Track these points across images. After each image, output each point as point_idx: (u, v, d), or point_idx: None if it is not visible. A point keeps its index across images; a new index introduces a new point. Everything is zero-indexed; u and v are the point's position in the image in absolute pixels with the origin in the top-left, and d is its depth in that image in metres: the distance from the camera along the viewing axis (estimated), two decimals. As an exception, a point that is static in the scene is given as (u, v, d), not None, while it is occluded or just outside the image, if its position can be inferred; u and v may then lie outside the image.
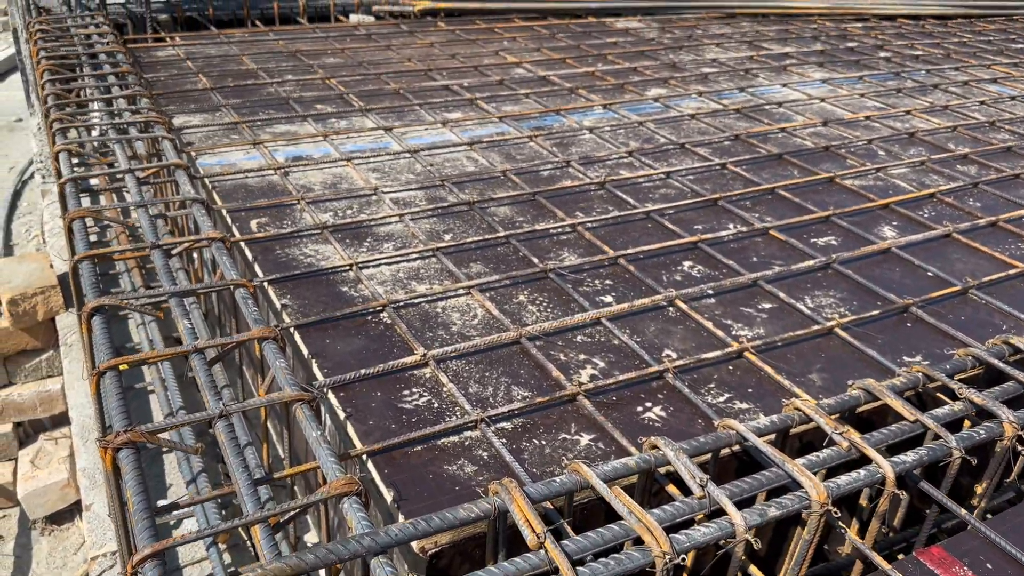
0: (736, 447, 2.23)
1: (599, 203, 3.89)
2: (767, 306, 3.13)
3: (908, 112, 5.38)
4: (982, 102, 5.70)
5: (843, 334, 2.95)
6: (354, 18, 7.17)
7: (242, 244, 3.28)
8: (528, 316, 2.97)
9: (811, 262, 3.41)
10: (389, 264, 3.25)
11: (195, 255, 3.69)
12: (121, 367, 2.28)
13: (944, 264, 3.51)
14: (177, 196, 3.37)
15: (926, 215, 3.96)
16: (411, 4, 7.24)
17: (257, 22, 6.85)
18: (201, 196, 3.41)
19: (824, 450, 2.17)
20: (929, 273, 3.43)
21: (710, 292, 3.17)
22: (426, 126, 4.69)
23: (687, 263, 3.40)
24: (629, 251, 3.41)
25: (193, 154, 4.10)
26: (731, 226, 3.73)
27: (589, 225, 3.64)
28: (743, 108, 5.24)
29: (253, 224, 3.48)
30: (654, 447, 2.09)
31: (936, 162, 4.60)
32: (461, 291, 3.08)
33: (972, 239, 3.73)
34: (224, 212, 3.55)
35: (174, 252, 3.01)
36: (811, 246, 3.59)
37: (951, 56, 6.94)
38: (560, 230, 3.59)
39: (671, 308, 3.07)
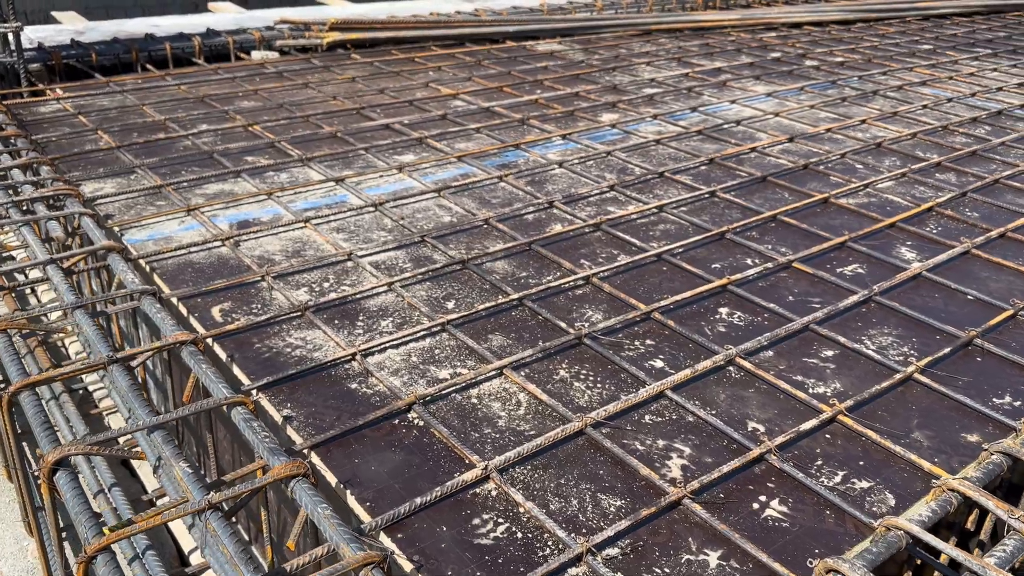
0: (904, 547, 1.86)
1: (601, 247, 3.49)
2: (829, 353, 2.80)
3: (863, 121, 5.27)
4: (925, 106, 5.68)
5: (924, 379, 2.65)
6: (257, 55, 6.54)
7: (210, 341, 2.69)
8: (578, 395, 2.52)
9: (853, 297, 3.12)
10: (396, 347, 2.73)
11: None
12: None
13: (979, 285, 3.30)
14: (120, 291, 2.73)
15: (935, 231, 3.77)
16: (318, 37, 6.67)
17: (148, 66, 6.11)
18: (150, 286, 2.79)
19: (1008, 541, 1.83)
20: (969, 297, 3.20)
21: (765, 343, 2.82)
22: (380, 173, 4.17)
23: (723, 310, 3.04)
24: (661, 303, 3.02)
25: (117, 229, 3.44)
26: (750, 261, 3.40)
27: (602, 275, 3.23)
28: (704, 129, 4.98)
29: (216, 312, 2.88)
30: (832, 571, 1.69)
31: (916, 172, 4.46)
32: (492, 372, 2.60)
33: (991, 254, 3.55)
34: (176, 301, 2.94)
35: (135, 363, 2.40)
36: (841, 277, 3.31)
37: (872, 61, 6.97)
38: (573, 284, 3.17)
39: (732, 367, 2.69)
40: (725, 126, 5.08)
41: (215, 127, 4.74)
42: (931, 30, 8.57)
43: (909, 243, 3.65)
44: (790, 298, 3.15)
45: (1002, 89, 6.21)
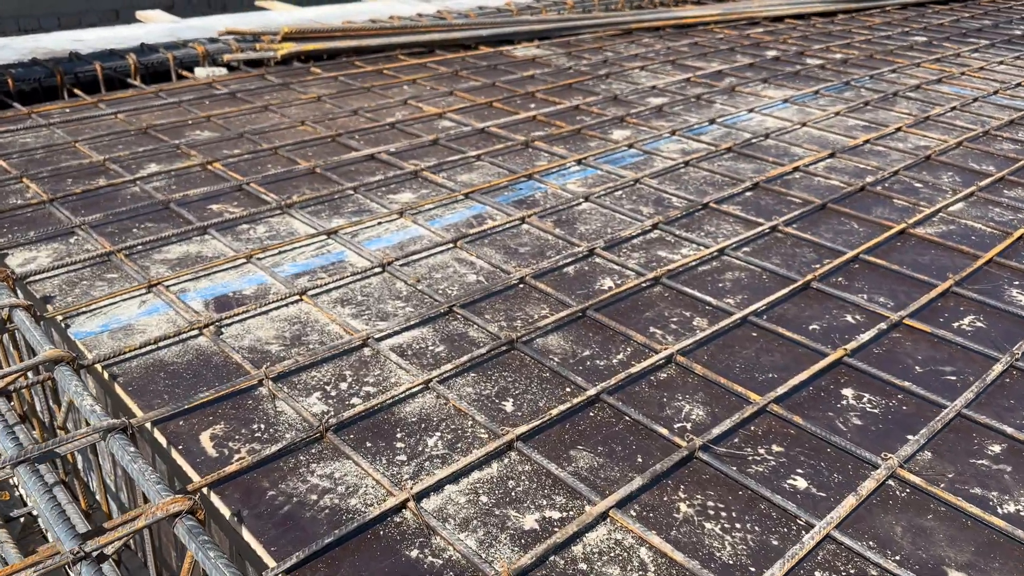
0: None
1: (667, 307, 2.87)
2: (996, 449, 2.23)
3: (899, 129, 4.76)
4: (953, 108, 5.21)
5: None
6: (201, 72, 5.72)
7: (213, 498, 1.97)
8: (717, 546, 1.89)
9: (997, 367, 2.56)
10: (456, 480, 2.06)
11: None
12: None
13: (1122, 335, 2.78)
14: (81, 434, 1.99)
15: (1038, 264, 3.26)
16: (271, 49, 5.88)
17: (77, 91, 5.25)
18: (120, 419, 2.06)
19: None
20: (1118, 352, 2.68)
21: (921, 442, 2.23)
22: (379, 219, 3.46)
23: (847, 392, 2.45)
24: (773, 391, 2.41)
25: (60, 319, 2.68)
26: (851, 318, 2.82)
27: (685, 349, 2.61)
28: (733, 146, 4.40)
29: (206, 441, 2.16)
30: None
31: (984, 190, 3.95)
32: (595, 517, 1.95)
33: (1114, 291, 3.05)
34: (150, 427, 2.21)
35: (110, 552, 1.68)
36: (964, 335, 2.75)
37: (875, 57, 6.51)
38: (653, 365, 2.53)
39: (895, 482, 2.10)
40: (754, 140, 4.50)
41: (167, 167, 3.96)
42: (915, 20, 8.19)
43: (1017, 283, 3.12)
44: (917, 369, 2.58)
45: (1021, 85, 5.80)
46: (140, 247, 3.16)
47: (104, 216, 3.38)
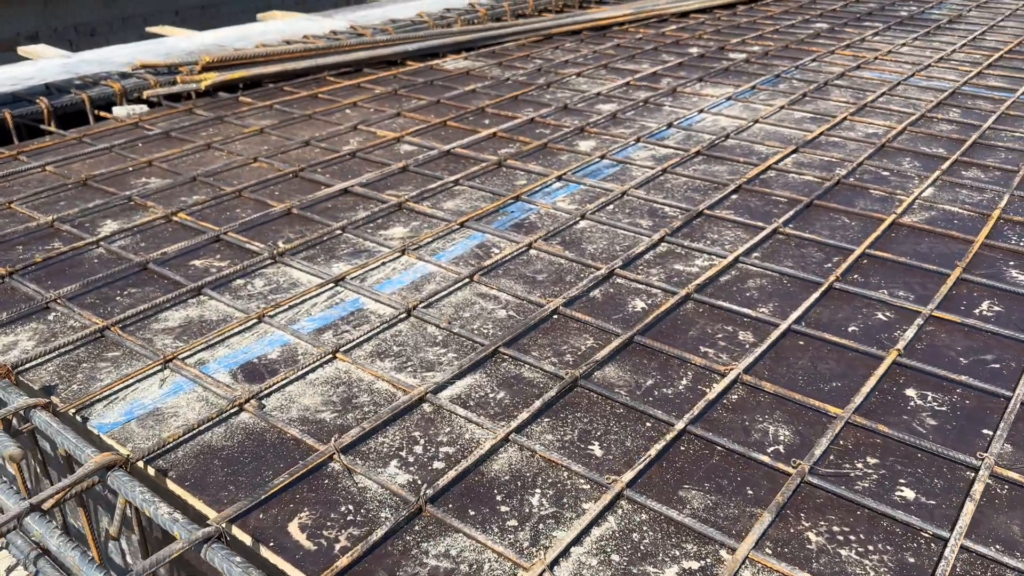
0: None
1: (708, 324, 2.85)
2: (1068, 434, 2.33)
3: (844, 119, 4.94)
4: (883, 94, 5.45)
5: None
6: (121, 112, 5.31)
7: (331, 594, 1.80)
8: (858, 572, 1.88)
9: (1034, 348, 2.68)
10: (579, 543, 1.96)
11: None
12: None
13: (1123, 305, 2.96)
14: (176, 546, 1.78)
15: None
16: (192, 80, 5.53)
17: (-15, 142, 4.77)
18: (213, 526, 1.86)
19: None
20: None
21: (1003, 435, 2.29)
22: (382, 260, 3.29)
23: (911, 392, 2.50)
24: (850, 401, 2.43)
25: (73, 412, 2.40)
26: (882, 316, 2.88)
27: (746, 367, 2.59)
28: (702, 150, 4.44)
29: (296, 532, 1.98)
30: None
31: (947, 174, 4.14)
32: (739, 563, 1.89)
33: (1098, 263, 3.25)
34: (234, 528, 2.00)
35: None
36: (995, 322, 2.85)
37: (790, 47, 6.74)
38: (724, 388, 2.50)
39: (992, 480, 2.15)
40: (717, 142, 4.56)
41: (127, 223, 3.64)
42: (809, 7, 8.54)
43: (1013, 263, 3.27)
44: (962, 360, 2.66)
45: (931, 66, 6.14)
46: (133, 318, 2.89)
47: (80, 286, 3.07)
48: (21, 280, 3.14)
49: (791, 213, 3.64)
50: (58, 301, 2.98)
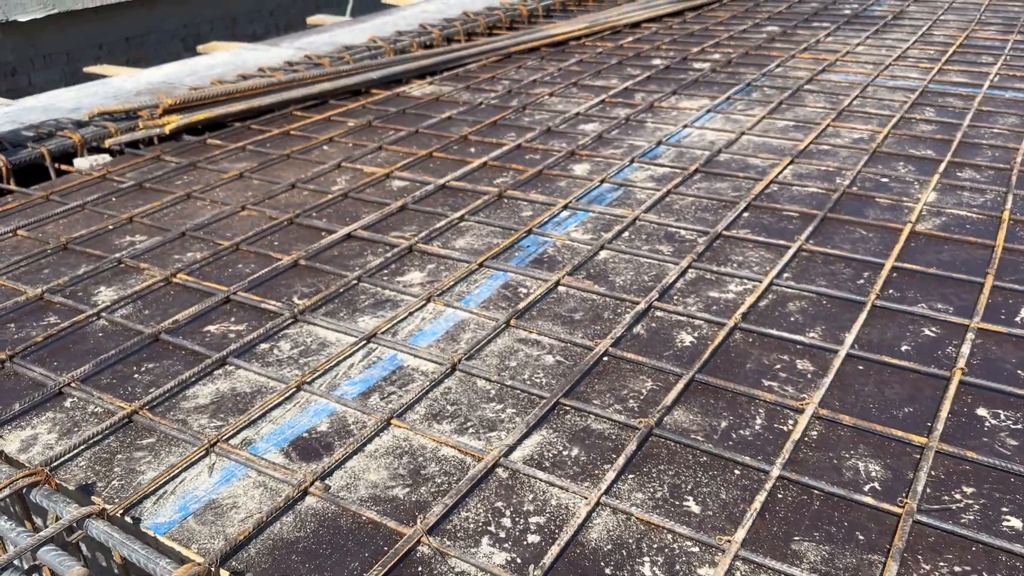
0: None
1: (765, 355, 2.79)
2: None
3: (828, 126, 4.98)
4: (857, 97, 5.52)
5: None
6: (83, 163, 5.01)
7: None
8: (993, 613, 1.84)
9: (1088, 355, 2.69)
10: (710, 610, 1.87)
11: None
12: None
13: None
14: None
15: (1037, 244, 3.48)
16: (155, 125, 5.26)
17: (-60, 206, 4.43)
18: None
19: None
20: None
21: (1083, 451, 2.29)
22: (409, 310, 3.14)
23: (982, 411, 2.48)
24: (937, 429, 2.40)
25: (121, 514, 2.20)
26: (929, 331, 2.87)
27: (820, 400, 2.54)
28: (700, 168, 4.41)
29: (408, 632, 1.84)
30: None
31: (945, 177, 4.19)
32: (869, 614, 1.83)
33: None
34: (335, 631, 1.85)
35: None
36: (1034, 329, 2.88)
37: (751, 53, 6.80)
38: (805, 427, 2.45)
39: (1094, 501, 2.14)
40: (712, 158, 4.54)
41: (123, 289, 3.42)
42: (754, 10, 8.66)
43: (1036, 266, 3.32)
44: (1020, 373, 2.66)
45: (891, 65, 6.26)
46: (160, 397, 2.69)
47: (92, 366, 2.84)
48: (23, 363, 2.90)
49: (809, 229, 3.63)
50: (72, 385, 2.76)
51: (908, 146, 4.62)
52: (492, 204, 4.10)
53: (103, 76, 7.73)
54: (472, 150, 4.87)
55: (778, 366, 2.74)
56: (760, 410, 2.53)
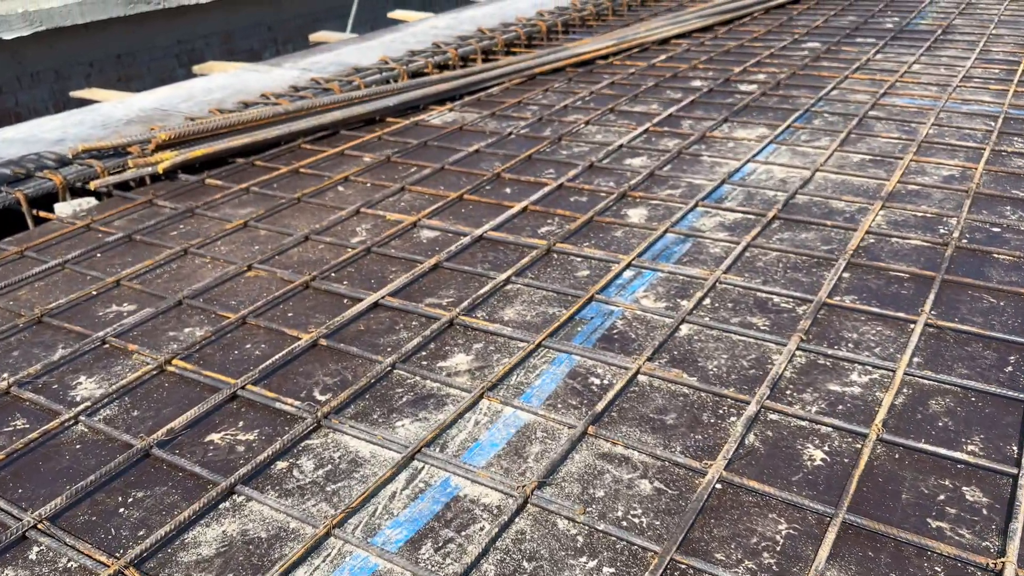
0: None
1: (919, 479, 2.19)
2: None
3: (910, 161, 4.39)
4: (934, 124, 4.93)
5: None
6: (65, 209, 4.42)
7: None
8: None
9: None
10: None
11: None
12: None
13: None
14: None
15: None
16: (147, 164, 4.66)
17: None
18: None
19: None
20: None
21: None
22: (458, 412, 2.53)
23: None
24: None
25: None
26: (1120, 445, 2.28)
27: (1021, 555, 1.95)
28: (778, 214, 3.81)
29: None
30: None
31: (1064, 224, 3.62)
32: None
33: None
34: None
35: None
36: None
37: (798, 74, 6.22)
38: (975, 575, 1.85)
39: None
40: (790, 201, 3.95)
41: (108, 381, 2.81)
42: (788, 24, 8.08)
43: None
44: None
45: (959, 87, 5.69)
46: (153, 547, 2.08)
47: (67, 498, 2.24)
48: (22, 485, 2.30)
49: (931, 298, 3.03)
50: (40, 527, 2.15)
51: (1010, 186, 4.04)
52: (540, 261, 3.51)
53: (92, 101, 7.13)
54: (507, 191, 4.28)
55: (942, 497, 2.14)
56: (937, 569, 1.93)
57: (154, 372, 2.84)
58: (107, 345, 3.04)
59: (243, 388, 2.70)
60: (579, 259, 3.52)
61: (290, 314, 3.19)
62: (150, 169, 4.64)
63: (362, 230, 3.91)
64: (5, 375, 2.86)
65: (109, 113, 6.08)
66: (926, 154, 4.49)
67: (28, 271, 3.64)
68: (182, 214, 4.19)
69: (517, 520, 2.14)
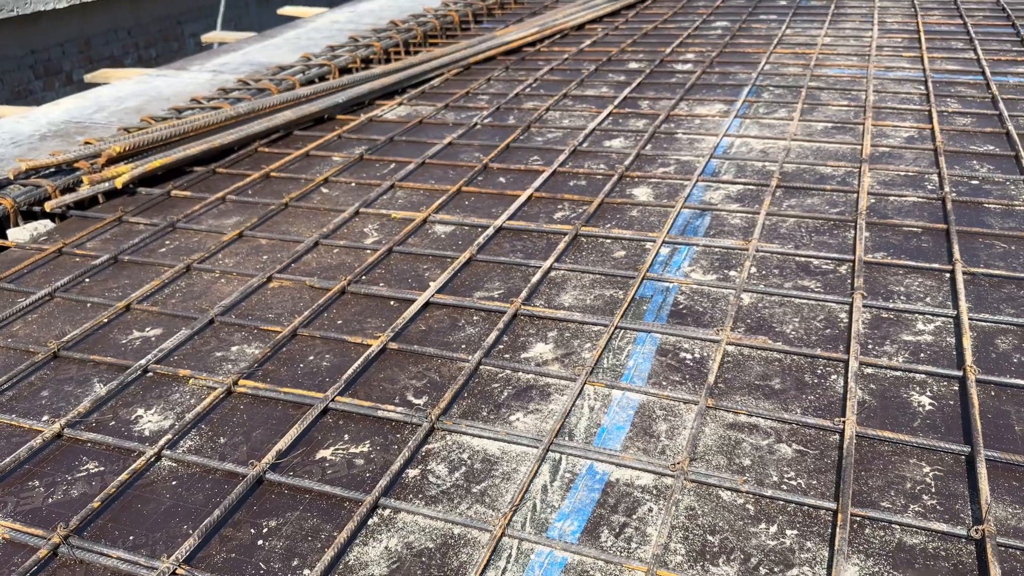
0: None
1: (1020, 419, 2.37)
2: None
3: (868, 125, 4.67)
4: (876, 91, 5.26)
5: None
6: (21, 235, 3.98)
7: None
8: None
9: None
10: None
11: None
12: None
13: None
14: None
15: None
16: (103, 180, 4.28)
17: None
18: None
19: None
20: None
21: None
22: (572, 400, 2.51)
23: None
24: None
25: None
26: None
27: None
28: (780, 182, 3.97)
29: None
30: None
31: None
32: None
33: None
34: None
35: None
36: None
37: (726, 51, 6.47)
38: None
39: None
40: (780, 171, 4.11)
41: (175, 412, 2.59)
42: (689, 5, 8.37)
43: None
44: None
45: (877, 56, 6.09)
46: (321, 573, 1.94)
47: (198, 536, 2.05)
48: (86, 546, 2.06)
49: (956, 247, 3.24)
50: (180, 572, 1.96)
51: (966, 142, 4.38)
52: (573, 246, 3.51)
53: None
54: (502, 180, 4.24)
55: (1052, 425, 2.32)
56: (1083, 489, 2.10)
57: (222, 396, 2.64)
58: (151, 373, 2.79)
59: (333, 401, 2.56)
60: (609, 240, 3.54)
61: (339, 321, 3.04)
62: (107, 185, 4.28)
63: (371, 231, 3.77)
64: (45, 417, 2.58)
65: (15, 129, 5.56)
66: (879, 118, 4.79)
67: (14, 304, 3.29)
68: (164, 230, 3.89)
69: (682, 497, 2.14)
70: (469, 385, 2.64)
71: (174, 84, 6.55)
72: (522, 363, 2.73)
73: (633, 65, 6.25)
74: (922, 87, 5.29)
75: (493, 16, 8.67)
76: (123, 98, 6.22)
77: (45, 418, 2.59)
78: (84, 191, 4.22)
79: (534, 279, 3.21)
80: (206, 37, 9.09)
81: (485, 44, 6.76)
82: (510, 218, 3.77)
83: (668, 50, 6.58)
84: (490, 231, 3.64)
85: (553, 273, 3.30)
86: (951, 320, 2.83)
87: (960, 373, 2.53)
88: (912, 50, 6.17)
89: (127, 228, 3.97)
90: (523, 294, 3.10)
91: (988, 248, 3.29)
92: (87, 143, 4.70)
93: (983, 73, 5.48)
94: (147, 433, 2.50)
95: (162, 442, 2.41)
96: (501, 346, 2.83)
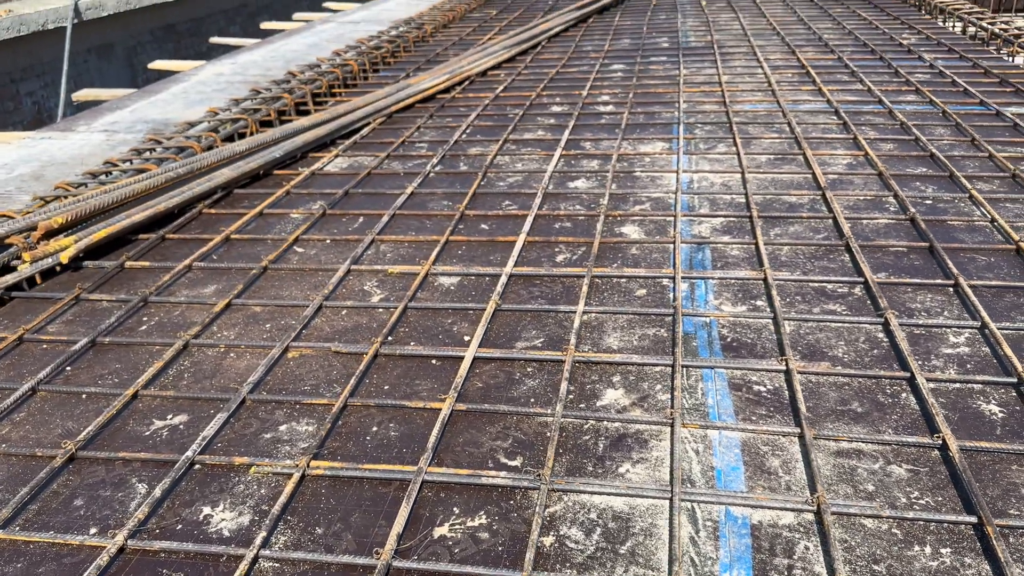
0: None
1: (1079, 411, 2.56)
2: None
3: (809, 155, 4.97)
4: (800, 123, 5.60)
5: None
6: (-46, 323, 3.47)
7: None
8: None
9: None
10: None
11: None
12: None
13: None
14: None
15: None
16: (46, 255, 3.82)
17: None
18: None
19: None
20: None
21: None
22: (679, 446, 2.46)
23: None
24: None
25: None
26: None
27: None
28: (758, 213, 4.12)
29: None
30: None
31: (984, 193, 4.31)
32: None
33: None
34: None
35: None
36: None
37: (639, 93, 6.70)
38: None
39: None
40: (751, 203, 4.28)
41: (250, 506, 2.32)
42: (579, 51, 8.61)
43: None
44: None
45: (779, 91, 6.49)
46: (505, 665, 1.79)
47: (351, 645, 1.83)
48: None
49: (950, 264, 3.47)
50: None
51: (903, 166, 4.74)
52: (597, 290, 3.48)
53: None
54: (485, 227, 4.16)
55: (1113, 419, 2.52)
56: None
57: (298, 481, 2.40)
58: (198, 466, 2.50)
59: (426, 471, 2.39)
60: (624, 280, 3.54)
61: (386, 387, 2.86)
62: (50, 261, 3.84)
63: (372, 288, 3.59)
64: (93, 530, 2.25)
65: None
66: (816, 148, 5.11)
67: (-8, 405, 2.86)
68: (135, 306, 3.53)
69: (837, 533, 2.15)
70: (564, 441, 2.54)
71: (66, 147, 6.02)
72: (601, 411, 2.66)
73: (556, 108, 6.35)
74: (835, 117, 5.69)
75: (388, 65, 8.58)
76: (12, 165, 5.64)
77: (93, 531, 2.26)
78: (26, 270, 3.76)
79: (575, 324, 3.16)
80: (79, 95, 8.42)
81: (404, 92, 6.66)
82: (517, 265, 3.70)
83: (584, 92, 6.74)
84: (502, 279, 3.55)
85: (586, 316, 3.26)
86: (977, 330, 3.02)
87: (1015, 380, 2.70)
88: (807, 83, 6.64)
89: (89, 307, 3.57)
90: (571, 341, 3.04)
91: (972, 261, 3.56)
92: (5, 216, 4.22)
93: (881, 102, 5.97)
94: (226, 533, 2.23)
95: (258, 541, 2.15)
96: (573, 397, 2.76)
